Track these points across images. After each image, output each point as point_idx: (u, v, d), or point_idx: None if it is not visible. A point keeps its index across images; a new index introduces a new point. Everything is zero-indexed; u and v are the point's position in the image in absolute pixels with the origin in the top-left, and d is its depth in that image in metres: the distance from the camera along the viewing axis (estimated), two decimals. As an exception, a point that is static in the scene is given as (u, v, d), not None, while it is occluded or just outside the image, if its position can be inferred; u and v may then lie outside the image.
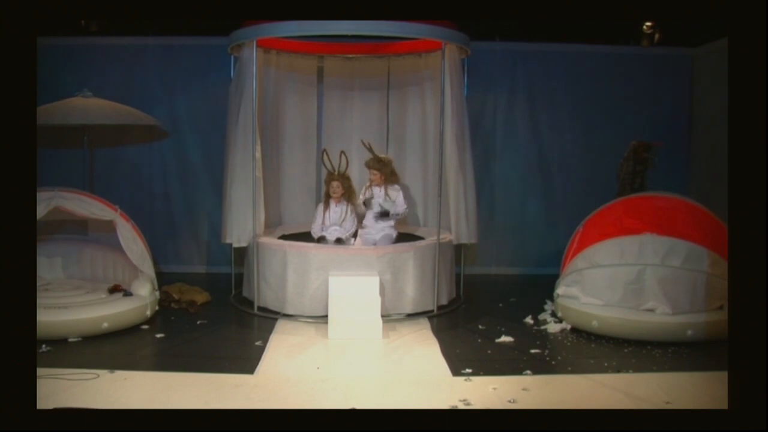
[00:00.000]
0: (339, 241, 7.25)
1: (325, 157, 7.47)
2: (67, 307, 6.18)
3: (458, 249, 7.94)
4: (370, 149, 7.70)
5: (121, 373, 5.25)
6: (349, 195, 7.55)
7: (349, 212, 7.50)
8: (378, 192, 7.66)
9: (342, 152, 7.45)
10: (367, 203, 7.64)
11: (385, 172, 7.63)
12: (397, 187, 7.74)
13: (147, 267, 6.82)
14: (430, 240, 7.40)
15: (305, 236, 7.58)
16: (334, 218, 7.43)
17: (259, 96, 7.30)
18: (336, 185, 7.43)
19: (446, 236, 7.55)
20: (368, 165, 7.66)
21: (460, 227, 7.62)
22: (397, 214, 7.64)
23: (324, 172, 7.69)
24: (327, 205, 7.49)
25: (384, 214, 7.56)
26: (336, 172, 7.44)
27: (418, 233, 8.13)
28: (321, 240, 7.31)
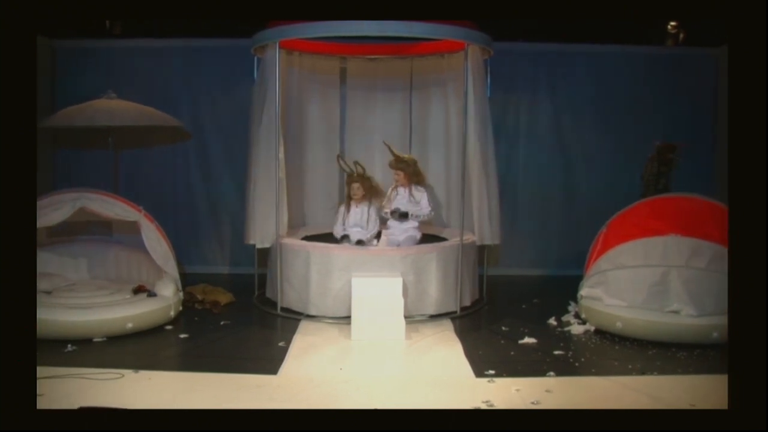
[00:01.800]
0: (360, 242, 7.23)
1: (341, 161, 7.50)
2: (92, 308, 6.22)
3: (481, 250, 7.91)
4: (390, 149, 7.69)
5: (145, 373, 5.27)
6: (372, 195, 7.52)
7: (371, 213, 7.49)
8: (403, 192, 7.65)
9: (356, 162, 7.45)
10: (393, 215, 7.61)
11: (408, 172, 7.62)
12: (421, 188, 7.73)
13: (171, 268, 6.84)
14: (453, 241, 7.38)
15: (328, 237, 7.58)
16: (354, 219, 7.43)
17: (282, 97, 7.33)
18: (356, 187, 7.43)
19: (469, 237, 7.52)
20: (391, 165, 7.67)
21: (483, 228, 7.58)
22: (418, 216, 7.61)
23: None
24: (348, 207, 7.49)
25: (403, 215, 7.54)
26: (354, 174, 7.43)
27: (441, 234, 8.09)
28: (344, 239, 7.30)
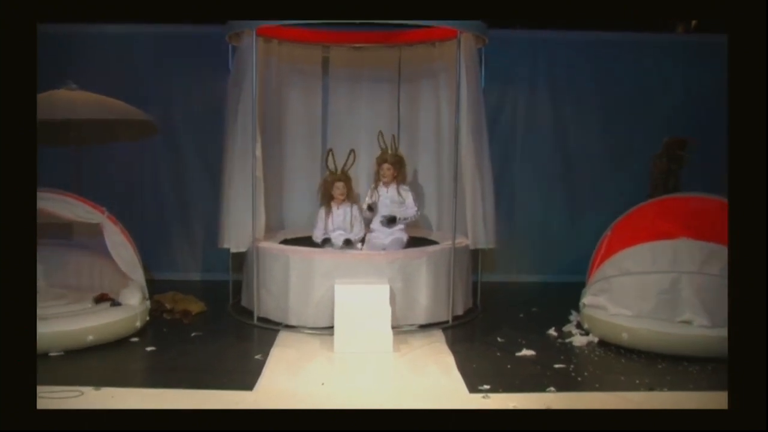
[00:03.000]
0: (348, 242, 7.22)
1: (330, 157, 7.43)
2: (48, 319, 6.10)
3: (475, 255, 7.88)
4: (393, 141, 7.70)
5: (107, 390, 5.19)
6: (352, 196, 7.56)
7: (355, 215, 7.48)
8: (384, 192, 7.63)
9: (352, 151, 7.43)
10: (372, 207, 7.59)
11: (399, 167, 7.64)
12: (406, 187, 7.74)
13: (137, 274, 6.79)
14: (445, 245, 7.34)
15: (309, 240, 7.55)
16: (338, 222, 7.42)
17: (259, 89, 7.26)
18: (341, 186, 7.41)
19: (462, 241, 7.49)
20: (386, 159, 7.62)
21: (477, 231, 7.56)
22: (406, 219, 7.61)
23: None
24: (329, 209, 7.45)
25: (391, 221, 7.53)
26: (339, 172, 7.40)
27: (431, 237, 8.07)
28: (326, 243, 7.28)
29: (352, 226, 7.43)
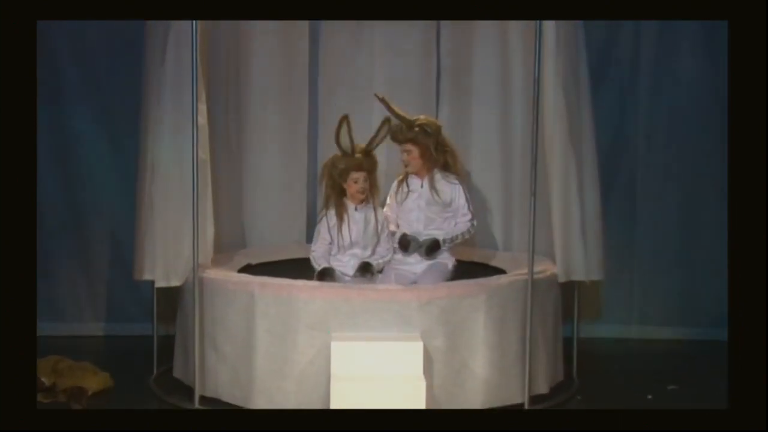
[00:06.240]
0: (365, 268, 7.29)
1: (345, 129, 7.35)
2: None
3: (568, 293, 7.93)
4: (387, 105, 7.59)
5: None
6: (375, 192, 7.52)
7: (381, 221, 7.50)
8: (417, 187, 7.62)
9: (387, 119, 7.45)
10: (404, 244, 7.59)
11: (425, 146, 7.51)
12: (453, 178, 7.68)
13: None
14: (516, 275, 7.34)
15: (290, 266, 7.73)
16: (354, 234, 7.40)
17: (203, 24, 7.22)
18: (361, 177, 7.35)
19: (546, 268, 7.52)
20: (395, 138, 7.58)
21: (572, 253, 7.61)
22: (455, 239, 7.64)
23: (324, 153, 7.76)
24: (343, 213, 7.42)
25: (433, 248, 7.54)
26: (358, 152, 7.33)
27: (493, 263, 8.14)
28: (325, 276, 7.29)
29: (376, 241, 7.46)
